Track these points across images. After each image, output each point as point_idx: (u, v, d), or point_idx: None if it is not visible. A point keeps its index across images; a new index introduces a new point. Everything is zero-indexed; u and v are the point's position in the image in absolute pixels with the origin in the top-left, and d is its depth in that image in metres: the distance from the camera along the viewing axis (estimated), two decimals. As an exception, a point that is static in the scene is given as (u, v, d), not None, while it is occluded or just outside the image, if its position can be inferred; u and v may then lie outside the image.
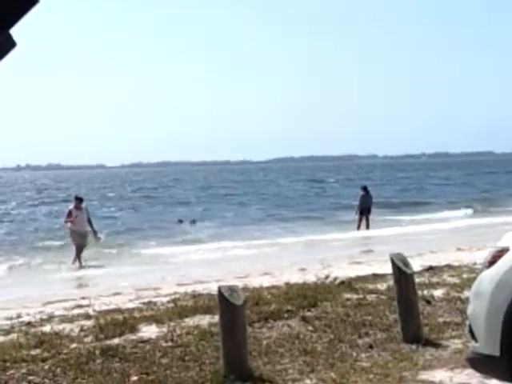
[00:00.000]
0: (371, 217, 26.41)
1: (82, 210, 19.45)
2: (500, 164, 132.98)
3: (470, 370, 5.50)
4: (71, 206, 19.95)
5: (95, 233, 19.72)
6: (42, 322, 9.65)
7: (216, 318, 7.33)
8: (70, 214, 19.54)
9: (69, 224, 19.47)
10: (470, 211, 34.82)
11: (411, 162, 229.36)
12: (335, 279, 11.47)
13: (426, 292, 9.74)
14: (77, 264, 19.07)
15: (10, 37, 2.12)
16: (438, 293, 9.95)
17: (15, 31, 2.11)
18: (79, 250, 19.23)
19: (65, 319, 9.72)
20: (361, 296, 9.82)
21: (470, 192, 51.42)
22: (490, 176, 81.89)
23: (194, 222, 32.77)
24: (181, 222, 32.74)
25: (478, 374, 5.47)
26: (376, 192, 32.16)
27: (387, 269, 8.96)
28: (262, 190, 67.05)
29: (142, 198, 58.61)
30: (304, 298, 9.51)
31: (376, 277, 12.13)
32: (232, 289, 6.48)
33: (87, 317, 9.69)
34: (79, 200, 19.73)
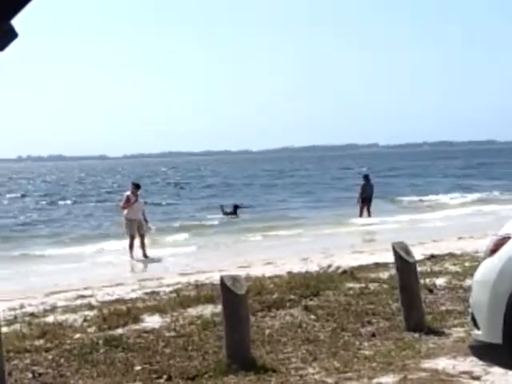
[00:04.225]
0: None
1: (139, 197, 18.49)
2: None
3: (472, 358, 5.51)
4: (128, 192, 18.68)
5: (146, 222, 18.51)
6: (45, 312, 9.67)
7: (219, 308, 7.34)
8: (128, 200, 18.26)
9: (125, 211, 18.27)
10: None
11: (417, 150, 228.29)
12: (337, 268, 11.47)
13: (428, 280, 9.73)
14: (135, 255, 17.86)
15: (11, 27, 2.11)
16: (440, 281, 9.95)
17: (17, 22, 2.11)
18: (142, 239, 18.06)
19: (68, 309, 9.74)
20: (363, 285, 9.82)
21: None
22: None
23: (235, 210, 30.29)
24: (223, 210, 30.62)
25: (480, 362, 5.47)
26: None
27: (389, 257, 8.95)
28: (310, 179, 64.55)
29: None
30: (306, 287, 9.51)
31: (378, 266, 12.14)
32: (234, 278, 6.47)
33: (90, 307, 9.70)
34: (136, 186, 18.61)
